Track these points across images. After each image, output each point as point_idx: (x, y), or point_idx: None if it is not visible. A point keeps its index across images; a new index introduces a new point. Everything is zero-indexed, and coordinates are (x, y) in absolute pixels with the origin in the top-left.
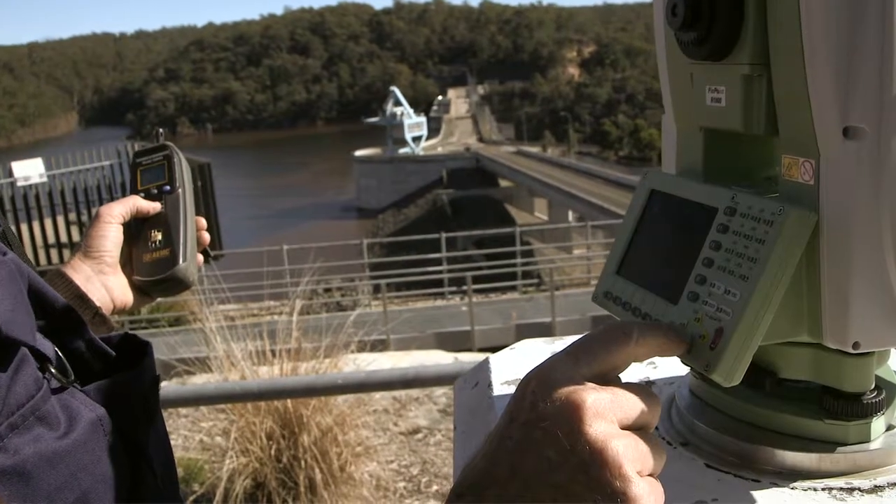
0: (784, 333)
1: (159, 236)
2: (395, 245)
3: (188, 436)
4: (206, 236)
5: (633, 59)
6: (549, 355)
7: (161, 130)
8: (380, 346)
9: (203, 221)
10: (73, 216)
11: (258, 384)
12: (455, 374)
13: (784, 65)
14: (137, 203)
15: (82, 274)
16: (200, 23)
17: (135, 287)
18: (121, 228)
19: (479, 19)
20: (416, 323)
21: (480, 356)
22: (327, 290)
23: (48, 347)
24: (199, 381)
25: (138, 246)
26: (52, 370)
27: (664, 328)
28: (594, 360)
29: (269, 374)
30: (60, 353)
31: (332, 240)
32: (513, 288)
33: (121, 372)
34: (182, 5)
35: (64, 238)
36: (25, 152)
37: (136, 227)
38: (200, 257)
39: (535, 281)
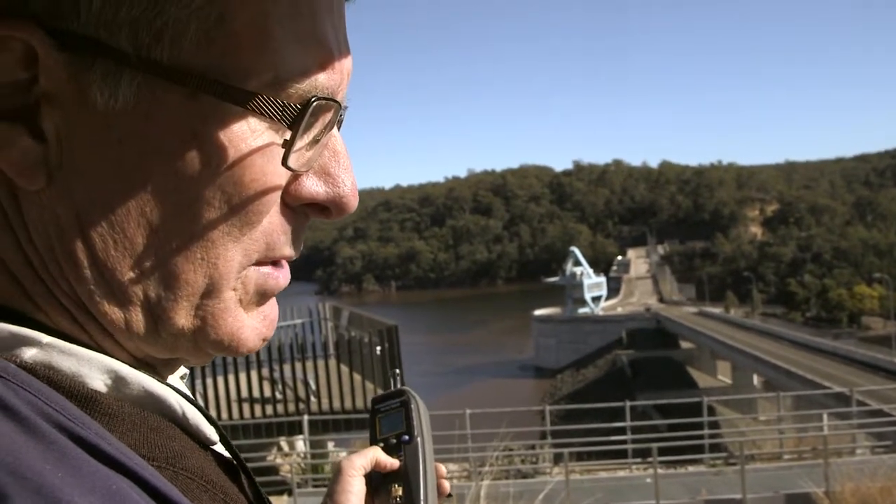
0: None
1: (400, 491)
2: (576, 408)
3: None
4: (446, 485)
5: (818, 216)
6: None
7: (398, 372)
8: None
9: (442, 469)
10: (265, 372)
11: None
12: None
13: None
14: (377, 456)
15: None
16: (388, 185)
17: None
18: (363, 481)
19: (658, 180)
20: (597, 493)
21: None
22: (507, 456)
23: None
24: None
25: (380, 499)
26: None
27: None
28: None
29: None
30: None
31: (509, 397)
32: (699, 460)
33: None
34: (371, 169)
35: (256, 393)
36: None
37: (377, 480)
38: None
39: (724, 454)
